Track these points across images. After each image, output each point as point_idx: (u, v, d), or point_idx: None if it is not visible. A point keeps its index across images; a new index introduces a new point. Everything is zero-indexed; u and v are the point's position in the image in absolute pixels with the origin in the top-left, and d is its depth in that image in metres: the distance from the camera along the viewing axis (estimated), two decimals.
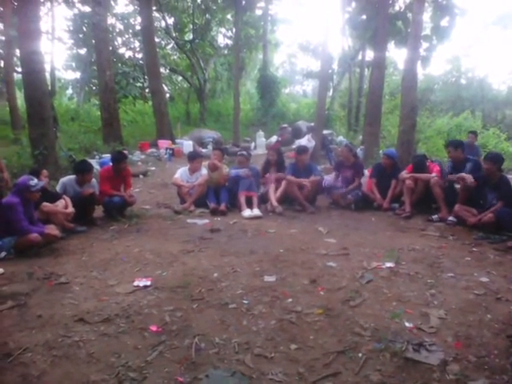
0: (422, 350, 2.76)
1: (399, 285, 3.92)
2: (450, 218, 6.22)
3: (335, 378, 2.52)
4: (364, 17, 14.16)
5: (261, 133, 15.83)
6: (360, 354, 2.75)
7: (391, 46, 14.76)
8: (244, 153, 7.70)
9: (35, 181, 5.07)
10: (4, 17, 16.48)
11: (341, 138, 16.63)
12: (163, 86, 18.19)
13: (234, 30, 21.01)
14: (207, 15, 22.54)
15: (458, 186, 6.36)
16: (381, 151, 9.58)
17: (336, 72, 21.93)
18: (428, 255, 4.79)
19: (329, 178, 8.32)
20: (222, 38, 25.62)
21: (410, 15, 12.75)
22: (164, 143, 14.15)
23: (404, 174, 7.00)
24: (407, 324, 3.13)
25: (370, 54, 18.96)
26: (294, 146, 13.67)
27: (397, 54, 23.48)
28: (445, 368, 2.58)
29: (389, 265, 4.40)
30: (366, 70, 19.95)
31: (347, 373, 2.57)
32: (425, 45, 13.28)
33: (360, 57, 20.62)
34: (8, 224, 4.82)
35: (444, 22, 13.16)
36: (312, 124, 14.89)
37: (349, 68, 20.74)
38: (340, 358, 2.72)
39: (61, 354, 2.82)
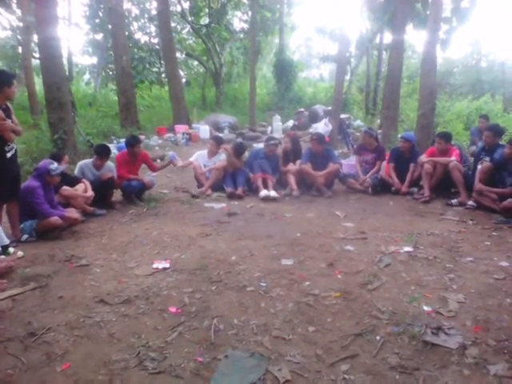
0: (441, 333, 2.75)
1: (417, 269, 3.90)
2: (470, 203, 6.14)
3: (353, 360, 2.53)
4: None
5: (277, 117, 15.73)
6: (378, 337, 2.75)
7: (410, 28, 14.43)
8: (275, 141, 7.60)
9: (55, 165, 5.14)
10: (22, 3, 16.55)
11: (358, 122, 16.48)
12: (179, 70, 18.16)
13: (249, 13, 20.84)
14: None
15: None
16: (399, 135, 9.47)
17: (353, 55, 21.65)
18: (447, 240, 4.75)
19: (346, 163, 8.28)
20: (238, 21, 25.36)
21: None
22: (181, 128, 14.18)
23: (423, 157, 6.91)
24: (425, 308, 3.12)
25: (388, 37, 18.70)
26: (310, 130, 13.61)
27: (415, 37, 23.08)
28: (463, 352, 2.58)
29: (407, 249, 4.38)
30: (384, 53, 19.64)
31: (365, 355, 2.58)
32: (444, 27, 12.94)
33: (378, 40, 20.28)
34: (29, 207, 4.91)
35: (465, 3, 12.81)
36: (329, 108, 14.76)
37: (366, 51, 20.44)
38: (358, 341, 2.73)
39: (82, 333, 2.89)
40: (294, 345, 2.69)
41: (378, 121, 15.39)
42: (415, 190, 7.05)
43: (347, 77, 20.33)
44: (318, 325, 2.92)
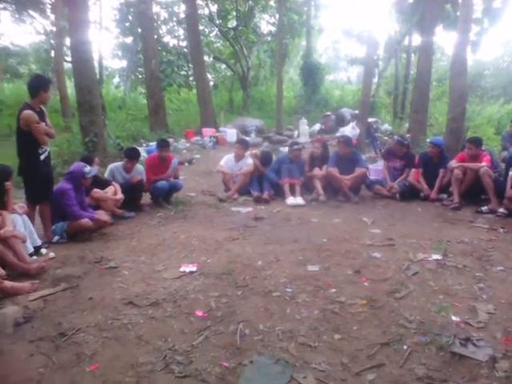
0: (470, 344, 2.71)
1: (446, 278, 3.84)
2: (501, 210, 5.99)
3: (379, 370, 2.51)
4: (411, 0, 13.70)
5: (304, 120, 15.68)
6: (405, 347, 2.73)
7: (439, 30, 14.21)
8: (300, 146, 7.59)
9: (89, 168, 5.27)
10: (56, 8, 17.03)
11: (386, 125, 16.29)
12: (207, 74, 18.33)
13: (277, 16, 20.86)
14: (250, 2, 22.43)
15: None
16: (428, 140, 9.32)
17: (381, 58, 21.41)
18: (477, 248, 4.65)
19: (373, 168, 8.20)
20: (265, 24, 25.44)
21: None
22: (208, 131, 14.30)
23: (452, 163, 6.79)
24: (454, 318, 3.07)
25: (417, 39, 18.39)
26: (337, 134, 13.52)
27: (445, 39, 22.69)
28: (494, 365, 2.53)
29: (436, 257, 4.31)
30: (413, 55, 19.36)
31: (391, 365, 2.56)
32: (475, 28, 12.68)
33: (406, 42, 20.02)
34: (61, 209, 5.04)
35: (496, 4, 12.50)
36: (356, 111, 14.64)
37: (395, 54, 20.19)
38: (384, 350, 2.71)
39: (111, 335, 2.95)
40: (319, 352, 2.69)
41: (407, 125, 15.19)
42: (444, 196, 6.93)
43: (375, 80, 20.11)
44: (344, 333, 2.91)
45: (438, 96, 19.83)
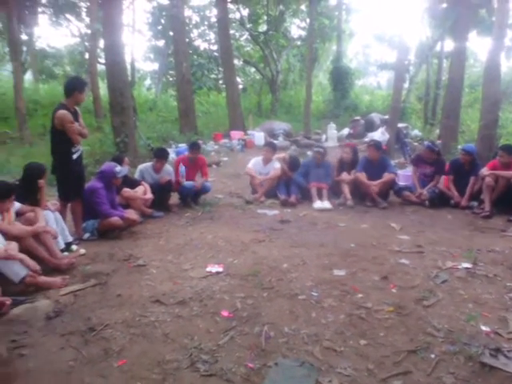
0: (500, 355, 2.64)
1: (476, 287, 3.76)
2: None
3: (406, 377, 2.48)
4: (444, 5, 13.50)
5: (332, 125, 15.60)
6: (432, 355, 2.68)
7: (472, 35, 13.97)
8: (320, 149, 7.56)
9: (119, 167, 5.38)
10: (91, 12, 17.47)
11: (416, 131, 16.03)
12: (236, 77, 18.43)
13: (307, 20, 20.83)
14: (281, 6, 22.45)
15: None
16: (459, 146, 9.14)
17: (413, 63, 21.12)
18: (508, 257, 4.53)
19: (402, 174, 8.09)
20: (296, 28, 25.44)
21: (495, 2, 11.98)
22: (236, 134, 14.38)
23: (484, 170, 6.64)
24: (484, 328, 3.01)
25: (449, 44, 18.08)
26: (366, 139, 13.40)
27: (478, 44, 22.20)
28: None
29: (465, 265, 4.22)
30: (445, 61, 19.03)
31: (418, 373, 2.52)
32: (510, 34, 12.44)
33: (439, 47, 19.69)
34: (92, 207, 5.16)
35: None
36: (386, 117, 14.48)
37: (426, 59, 19.86)
38: (411, 358, 2.67)
39: (138, 332, 3.00)
40: (345, 357, 2.68)
41: (437, 131, 14.92)
42: (475, 204, 6.77)
43: (406, 85, 19.86)
44: (370, 338, 2.88)
45: (470, 102, 19.41)
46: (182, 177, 6.71)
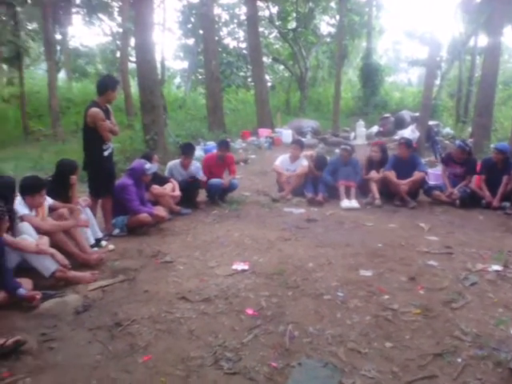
0: None
1: (506, 290, 3.67)
2: None
3: (431, 381, 2.45)
4: (479, 0, 13.15)
5: (361, 122, 15.38)
6: (459, 360, 2.64)
7: (507, 30, 13.55)
8: (347, 147, 7.48)
9: (149, 165, 5.47)
10: (122, 11, 17.76)
11: (447, 129, 15.68)
12: (265, 75, 18.41)
13: (337, 17, 20.62)
14: (311, 3, 22.28)
15: None
16: (492, 145, 8.89)
17: (444, 59, 20.65)
18: None
19: (432, 172, 7.93)
20: (325, 25, 25.18)
21: None
22: (264, 132, 14.36)
23: None
24: None
25: (483, 40, 17.60)
26: (395, 137, 13.19)
27: None
28: None
29: (496, 268, 4.12)
30: (478, 57, 18.53)
31: (444, 377, 2.48)
32: None
33: (472, 43, 19.18)
34: (122, 204, 5.25)
35: None
36: (416, 114, 14.21)
37: (459, 55, 19.38)
38: (437, 361, 2.63)
39: (164, 328, 3.05)
40: (369, 359, 2.66)
41: (470, 129, 14.57)
42: (507, 204, 6.57)
43: (437, 82, 19.43)
44: (396, 341, 2.85)
45: (503, 100, 18.88)
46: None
